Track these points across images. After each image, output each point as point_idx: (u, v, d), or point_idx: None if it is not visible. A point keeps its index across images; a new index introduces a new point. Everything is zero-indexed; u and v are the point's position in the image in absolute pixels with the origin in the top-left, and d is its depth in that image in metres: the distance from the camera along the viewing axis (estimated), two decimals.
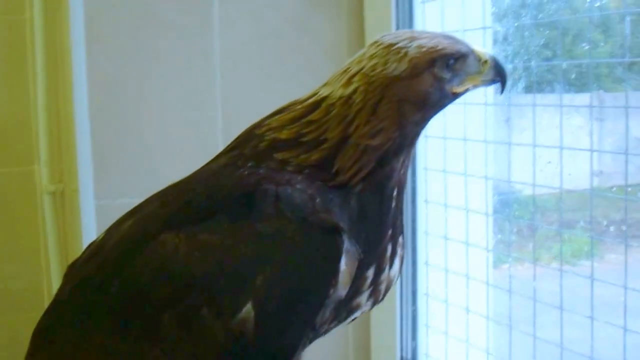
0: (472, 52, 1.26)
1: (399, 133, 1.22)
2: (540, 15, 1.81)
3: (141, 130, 2.17)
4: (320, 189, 1.18)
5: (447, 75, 1.23)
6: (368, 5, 2.26)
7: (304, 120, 1.23)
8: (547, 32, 1.80)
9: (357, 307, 1.24)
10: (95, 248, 1.29)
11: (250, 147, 1.26)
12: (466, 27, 1.96)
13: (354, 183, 1.20)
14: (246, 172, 1.22)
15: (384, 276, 1.25)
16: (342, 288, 1.16)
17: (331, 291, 1.13)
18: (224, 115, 2.22)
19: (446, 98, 1.25)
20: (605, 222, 1.84)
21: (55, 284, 2.39)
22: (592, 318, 1.71)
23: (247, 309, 1.10)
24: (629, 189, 1.65)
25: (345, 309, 1.22)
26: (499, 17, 1.93)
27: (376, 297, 1.26)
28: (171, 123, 2.19)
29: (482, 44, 1.93)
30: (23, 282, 2.63)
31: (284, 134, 1.24)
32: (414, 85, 1.22)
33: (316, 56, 2.27)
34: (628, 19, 1.54)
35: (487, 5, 1.94)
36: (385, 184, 1.23)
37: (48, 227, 2.39)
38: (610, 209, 1.83)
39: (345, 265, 1.15)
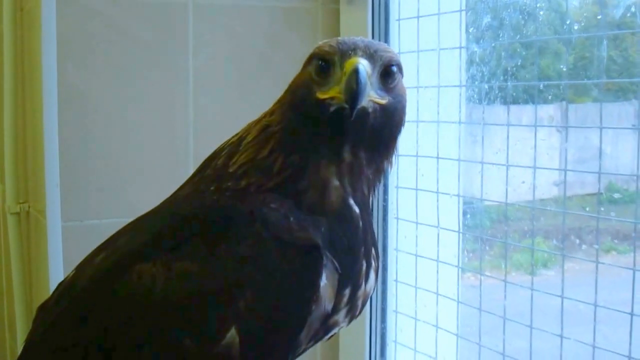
0: (342, 59, 1.18)
1: (284, 119, 1.23)
2: (518, 36, 1.85)
3: (110, 150, 2.13)
4: (292, 208, 1.18)
5: (317, 77, 1.20)
6: (343, 22, 2.28)
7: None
8: (524, 52, 1.84)
9: (335, 324, 1.24)
10: (66, 286, 1.26)
11: (211, 167, 1.28)
12: (442, 46, 2.00)
13: (312, 202, 1.20)
14: (215, 197, 1.21)
15: (361, 292, 1.25)
16: (327, 303, 1.16)
17: (313, 307, 1.14)
18: (196, 135, 2.20)
19: (313, 102, 1.19)
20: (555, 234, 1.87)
21: (19, 305, 2.32)
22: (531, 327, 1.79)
23: (232, 335, 1.09)
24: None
25: (323, 327, 1.21)
26: (476, 37, 1.96)
27: (353, 313, 1.26)
28: (142, 142, 2.16)
29: (457, 64, 1.98)
30: None
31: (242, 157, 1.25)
32: (297, 75, 1.26)
33: (291, 74, 2.25)
34: (605, 42, 1.59)
35: (462, 24, 1.98)
36: (342, 210, 1.22)
37: (12, 248, 2.31)
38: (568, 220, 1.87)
39: (326, 280, 1.15)
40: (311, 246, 1.14)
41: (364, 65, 1.15)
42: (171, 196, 1.33)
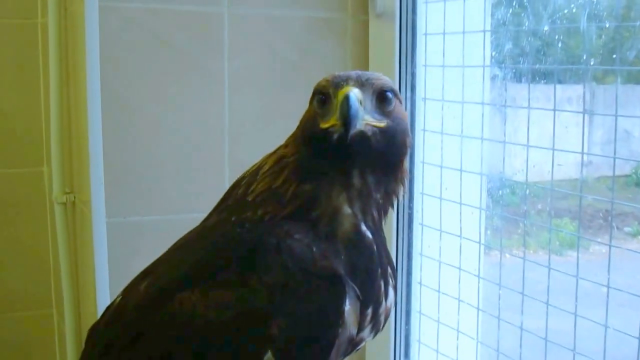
0: (335, 90, 1.26)
1: (296, 150, 1.32)
2: (538, 66, 1.86)
3: (151, 151, 2.24)
4: (315, 238, 1.27)
5: (319, 110, 1.29)
6: (372, 34, 2.33)
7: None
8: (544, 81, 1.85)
9: (361, 340, 1.34)
10: (115, 311, 1.37)
11: (233, 196, 1.37)
12: (467, 63, 2.04)
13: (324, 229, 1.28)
14: (239, 229, 1.30)
15: (382, 309, 1.34)
16: (352, 327, 1.26)
17: (340, 330, 1.24)
18: (231, 137, 2.30)
19: (318, 132, 1.27)
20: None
21: (65, 285, 2.48)
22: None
23: (268, 357, 1.20)
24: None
25: (350, 345, 1.31)
26: (498, 61, 1.98)
27: (377, 328, 1.36)
28: (180, 144, 2.26)
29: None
30: (30, 281, 2.68)
31: (260, 186, 1.34)
32: (306, 111, 1.34)
33: None
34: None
35: (487, 44, 2.01)
36: (356, 237, 1.30)
37: (59, 238, 2.44)
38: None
39: (349, 305, 1.25)
40: (334, 275, 1.24)
41: (354, 92, 1.24)
42: (200, 226, 1.42)
